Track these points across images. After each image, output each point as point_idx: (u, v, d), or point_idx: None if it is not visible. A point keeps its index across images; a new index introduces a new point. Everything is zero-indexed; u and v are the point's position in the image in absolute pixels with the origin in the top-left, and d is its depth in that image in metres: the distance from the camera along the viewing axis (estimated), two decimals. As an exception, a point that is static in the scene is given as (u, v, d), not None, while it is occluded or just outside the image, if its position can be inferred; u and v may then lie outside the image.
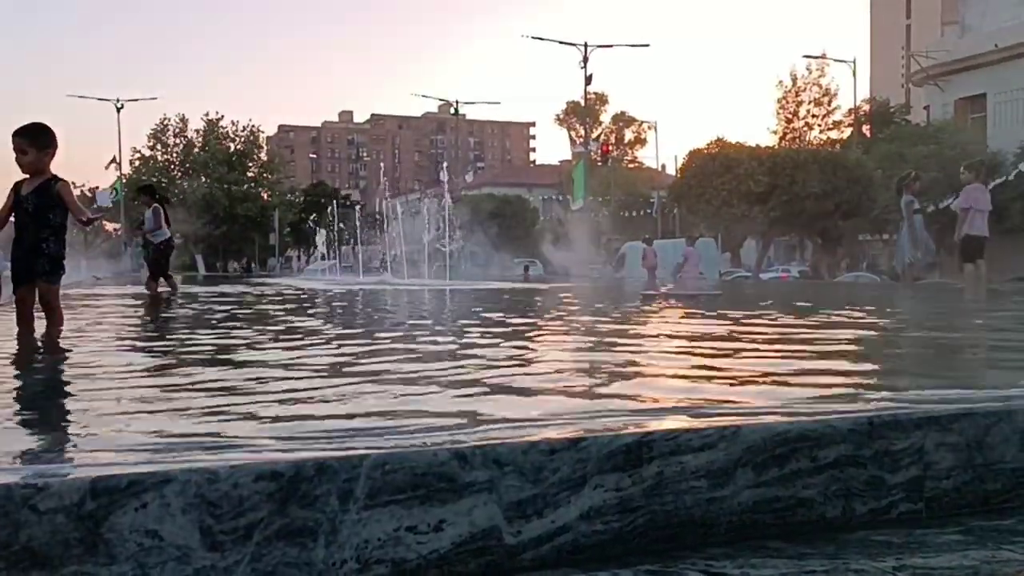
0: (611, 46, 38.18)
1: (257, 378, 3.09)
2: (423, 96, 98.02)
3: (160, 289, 11.27)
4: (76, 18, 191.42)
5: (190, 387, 2.89)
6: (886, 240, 38.56)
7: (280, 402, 2.52)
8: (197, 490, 1.50)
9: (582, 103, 48.79)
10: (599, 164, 51.52)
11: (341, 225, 37.98)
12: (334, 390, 2.77)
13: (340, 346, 4.54)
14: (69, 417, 2.49)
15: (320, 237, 38.89)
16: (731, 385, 2.86)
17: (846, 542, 1.84)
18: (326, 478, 1.58)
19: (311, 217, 44.62)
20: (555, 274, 32.52)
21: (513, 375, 3.15)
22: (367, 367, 3.47)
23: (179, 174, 54.26)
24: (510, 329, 5.86)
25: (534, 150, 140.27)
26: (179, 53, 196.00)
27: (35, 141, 4.84)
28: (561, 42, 37.10)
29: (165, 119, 55.23)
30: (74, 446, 2.00)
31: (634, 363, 3.57)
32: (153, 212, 11.22)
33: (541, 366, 3.60)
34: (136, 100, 49.22)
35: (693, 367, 3.38)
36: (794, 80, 51.13)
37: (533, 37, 37.71)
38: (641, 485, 1.80)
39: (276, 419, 2.25)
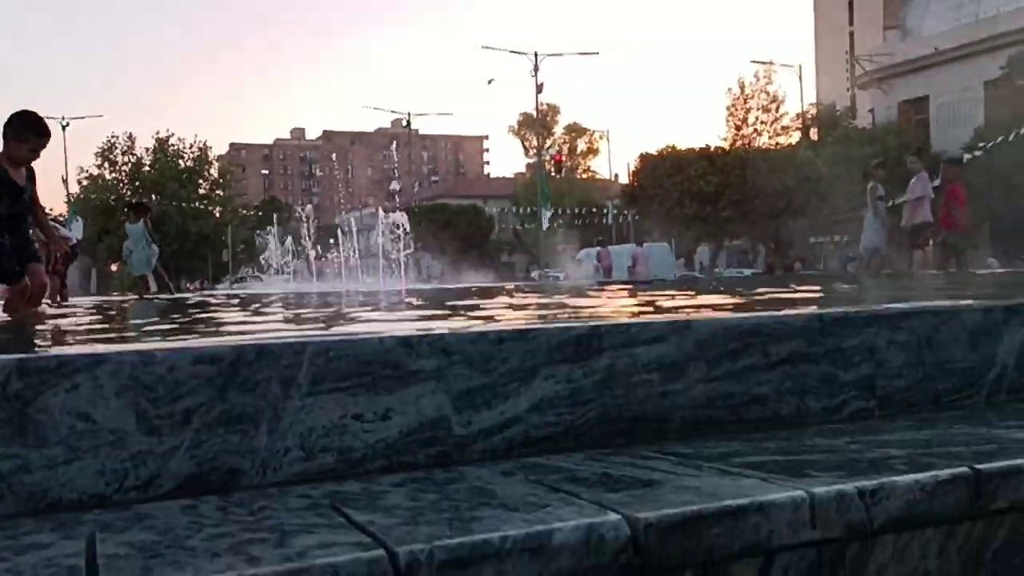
0: (561, 55, 38.51)
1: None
2: (375, 109, 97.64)
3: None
4: (21, 35, 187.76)
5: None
6: (836, 242, 39.22)
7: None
8: (132, 372, 1.44)
9: (534, 114, 48.99)
10: (553, 176, 51.73)
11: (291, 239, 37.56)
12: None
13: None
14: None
15: (273, 252, 38.41)
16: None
17: (800, 433, 1.83)
18: (267, 363, 1.53)
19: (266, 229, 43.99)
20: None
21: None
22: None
23: (128, 193, 53.33)
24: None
25: (488, 163, 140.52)
26: (126, 71, 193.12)
27: None
28: (511, 51, 37.23)
29: (113, 137, 54.31)
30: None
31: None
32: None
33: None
34: (82, 118, 48.32)
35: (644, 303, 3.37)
36: (742, 88, 51.94)
37: (484, 47, 37.78)
38: (592, 377, 1.77)
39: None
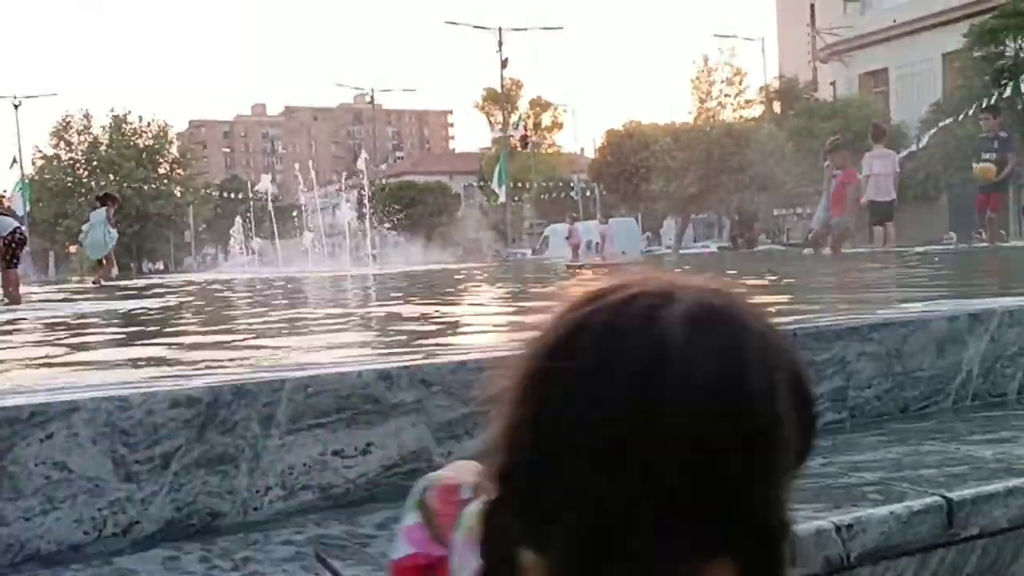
0: (525, 30, 38.26)
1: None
2: (338, 85, 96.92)
3: None
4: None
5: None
6: (799, 214, 39.61)
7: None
8: (108, 418, 1.43)
9: (499, 89, 48.72)
10: (519, 150, 51.62)
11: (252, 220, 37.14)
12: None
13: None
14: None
15: (236, 232, 37.94)
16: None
17: (774, 450, 1.85)
18: (245, 402, 1.52)
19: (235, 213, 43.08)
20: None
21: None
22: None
23: (86, 173, 52.27)
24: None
25: (453, 138, 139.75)
26: (79, 47, 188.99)
27: None
28: (475, 26, 36.97)
29: (68, 116, 53.07)
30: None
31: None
32: None
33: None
34: (35, 97, 47.21)
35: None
36: (706, 61, 52.02)
37: (447, 22, 37.42)
38: (571, 402, 1.77)
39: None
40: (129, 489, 1.43)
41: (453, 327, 2.96)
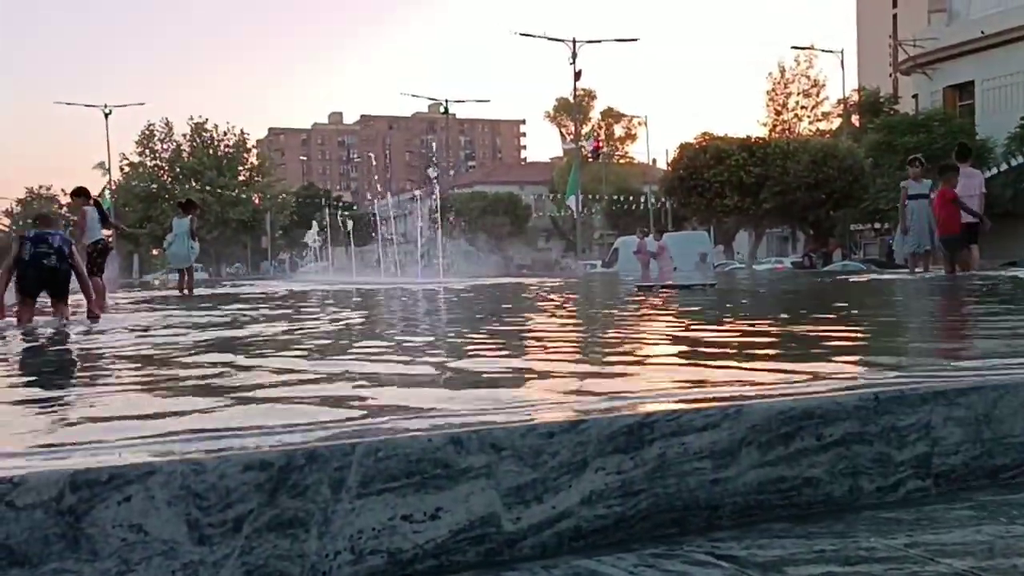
0: (599, 41, 38.05)
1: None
2: (413, 96, 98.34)
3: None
4: (62, 24, 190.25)
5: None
6: (877, 229, 38.57)
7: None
8: (183, 482, 1.45)
9: (571, 99, 48.68)
10: (590, 160, 51.54)
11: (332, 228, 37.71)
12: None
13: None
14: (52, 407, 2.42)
15: (311, 239, 38.62)
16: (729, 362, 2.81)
17: (854, 521, 1.79)
18: (317, 467, 1.53)
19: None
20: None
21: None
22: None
23: (169, 179, 54.00)
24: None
25: (525, 147, 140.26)
26: (166, 58, 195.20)
27: None
28: (549, 38, 36.95)
29: (151, 124, 54.90)
30: (55, 437, 1.93)
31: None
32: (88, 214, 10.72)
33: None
34: (124, 106, 48.85)
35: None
36: (782, 72, 51.21)
37: (521, 34, 37.52)
38: (643, 467, 1.74)
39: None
40: (202, 552, 1.45)
41: (518, 375, 2.93)
